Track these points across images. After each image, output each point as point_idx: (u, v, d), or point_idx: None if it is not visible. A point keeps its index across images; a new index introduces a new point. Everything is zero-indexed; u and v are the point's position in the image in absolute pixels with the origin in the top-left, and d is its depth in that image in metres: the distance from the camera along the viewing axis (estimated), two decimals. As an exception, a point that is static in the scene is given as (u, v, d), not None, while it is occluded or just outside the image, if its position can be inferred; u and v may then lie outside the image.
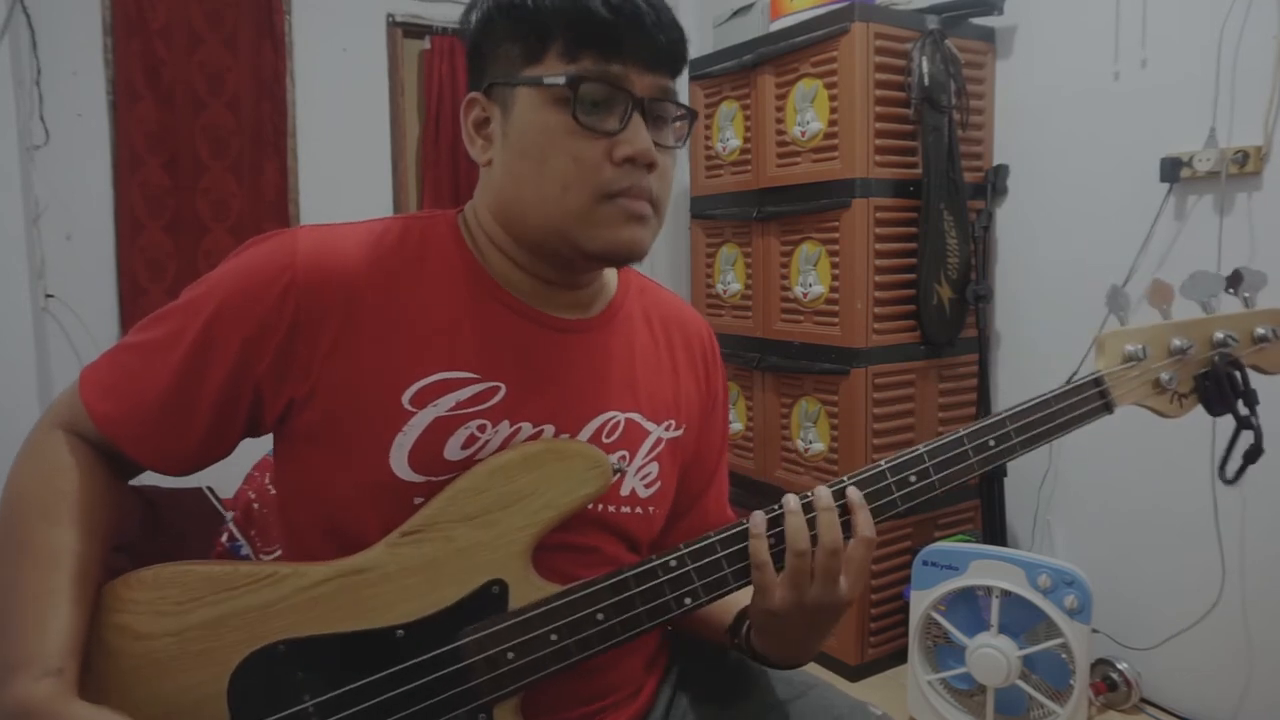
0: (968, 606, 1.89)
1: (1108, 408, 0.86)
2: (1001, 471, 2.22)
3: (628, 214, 0.75)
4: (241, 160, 2.76)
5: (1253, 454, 0.89)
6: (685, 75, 2.78)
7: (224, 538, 2.28)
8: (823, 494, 0.76)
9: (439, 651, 0.72)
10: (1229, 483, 0.93)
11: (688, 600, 0.75)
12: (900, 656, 2.19)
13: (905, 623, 2.06)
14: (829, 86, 2.19)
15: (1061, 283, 2.19)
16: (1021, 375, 2.34)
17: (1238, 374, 0.88)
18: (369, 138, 2.95)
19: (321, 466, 0.76)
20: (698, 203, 2.71)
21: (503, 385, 0.78)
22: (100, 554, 0.73)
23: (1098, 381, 0.86)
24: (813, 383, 2.32)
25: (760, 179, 2.44)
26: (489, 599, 0.73)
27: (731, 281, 2.60)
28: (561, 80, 0.72)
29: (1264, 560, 1.85)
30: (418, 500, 0.74)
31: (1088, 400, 0.85)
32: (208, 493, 2.39)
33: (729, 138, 2.55)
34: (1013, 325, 2.35)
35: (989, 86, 2.33)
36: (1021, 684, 1.82)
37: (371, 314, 0.75)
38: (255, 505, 2.19)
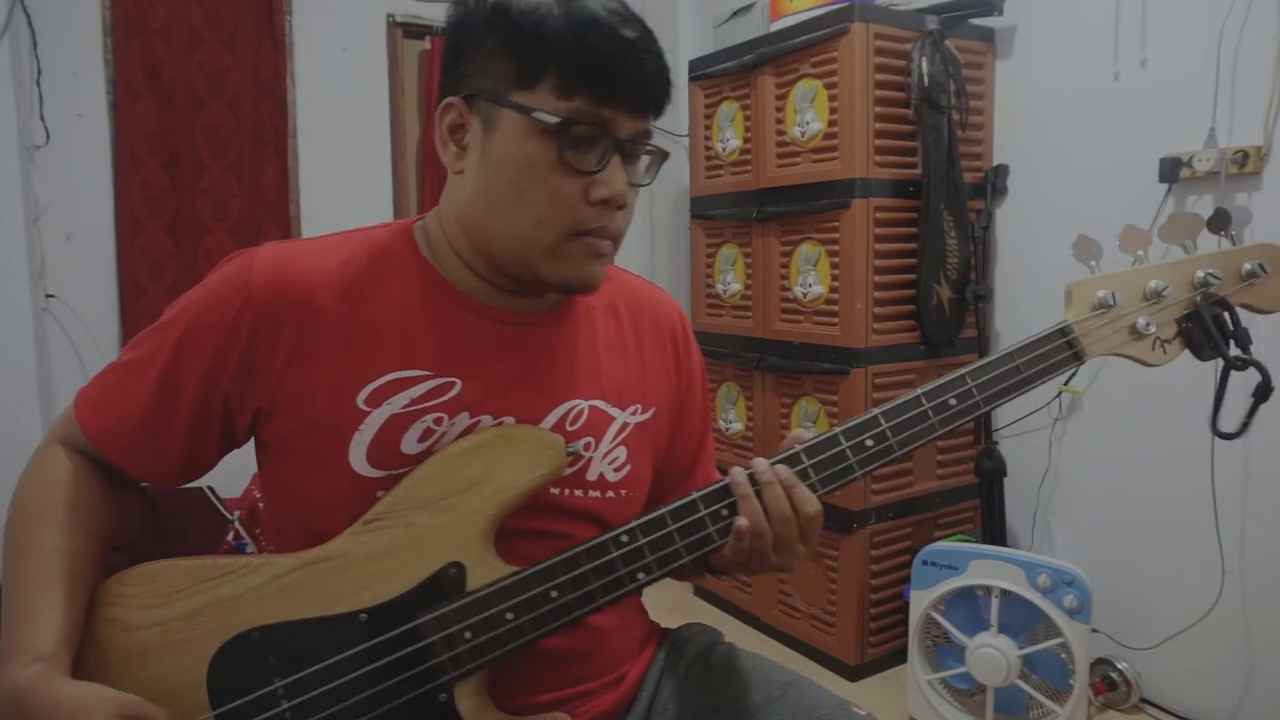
0: (967, 606, 1.89)
1: (1077, 358, 0.82)
2: (1001, 471, 2.22)
3: (593, 252, 0.78)
4: (241, 160, 2.76)
5: (1262, 392, 0.82)
6: (685, 78, 2.77)
7: (230, 536, 2.29)
8: (761, 467, 0.77)
9: (398, 631, 0.74)
10: (1229, 436, 0.84)
11: (640, 575, 0.76)
12: (900, 656, 2.19)
13: (905, 623, 2.06)
14: (829, 87, 2.19)
15: (1061, 283, 2.18)
16: (1021, 375, 2.33)
17: (1225, 314, 0.82)
18: (369, 138, 2.96)
19: (292, 471, 0.80)
20: (698, 203, 2.71)
21: (458, 380, 0.80)
22: (94, 555, 0.78)
23: (1064, 331, 0.82)
24: (813, 383, 2.32)
25: (760, 179, 2.44)
26: (448, 581, 0.75)
27: (731, 282, 2.60)
28: (555, 119, 0.73)
29: (1264, 560, 1.85)
30: (379, 494, 0.77)
31: (1054, 351, 0.82)
32: (208, 492, 2.40)
33: (729, 138, 2.55)
34: (1012, 325, 2.35)
35: (989, 87, 2.33)
36: (1021, 684, 1.82)
37: (327, 325, 0.78)
38: (260, 504, 2.20)
